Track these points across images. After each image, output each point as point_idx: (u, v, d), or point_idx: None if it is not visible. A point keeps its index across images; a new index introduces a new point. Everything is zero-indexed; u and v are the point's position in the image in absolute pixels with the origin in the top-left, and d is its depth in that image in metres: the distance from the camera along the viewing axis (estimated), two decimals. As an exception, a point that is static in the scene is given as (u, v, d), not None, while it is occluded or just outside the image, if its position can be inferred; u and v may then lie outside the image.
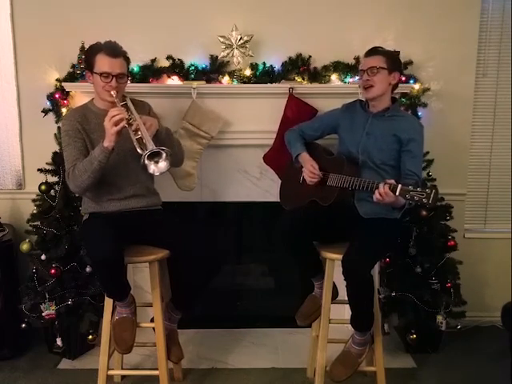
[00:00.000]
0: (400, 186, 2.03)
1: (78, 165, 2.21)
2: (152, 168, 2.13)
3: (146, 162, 2.10)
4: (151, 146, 2.09)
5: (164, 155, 2.12)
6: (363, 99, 2.47)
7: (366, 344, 2.36)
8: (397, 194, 2.03)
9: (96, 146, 2.23)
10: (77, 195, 2.75)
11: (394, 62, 2.36)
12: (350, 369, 2.31)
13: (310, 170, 2.43)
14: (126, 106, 2.24)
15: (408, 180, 2.19)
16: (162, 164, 2.13)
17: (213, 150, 2.90)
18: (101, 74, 2.24)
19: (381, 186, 2.08)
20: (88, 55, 2.31)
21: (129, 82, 2.46)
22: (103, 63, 2.24)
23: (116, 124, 2.11)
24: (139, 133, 2.14)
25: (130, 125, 2.15)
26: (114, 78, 2.24)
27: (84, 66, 2.36)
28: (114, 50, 2.26)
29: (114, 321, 2.33)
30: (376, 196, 2.10)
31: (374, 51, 2.36)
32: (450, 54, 2.91)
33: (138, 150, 2.12)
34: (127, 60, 2.34)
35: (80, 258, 2.68)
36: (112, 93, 2.24)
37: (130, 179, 2.37)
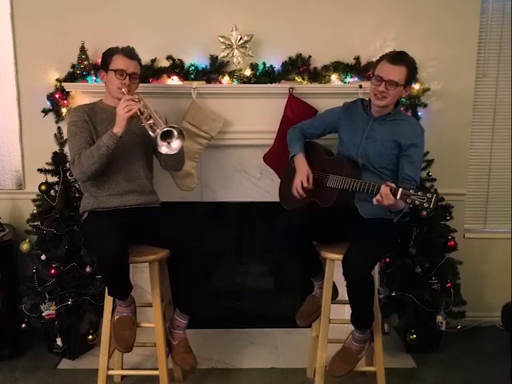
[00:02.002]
0: (401, 189, 2.03)
1: (84, 152, 2.26)
2: (164, 149, 2.17)
3: (159, 142, 2.14)
4: (162, 126, 2.15)
5: (175, 133, 2.16)
6: (365, 99, 2.46)
7: (366, 341, 2.37)
8: (398, 197, 2.03)
9: None
10: (77, 195, 2.76)
11: (412, 76, 2.30)
12: (349, 365, 2.32)
13: (304, 180, 2.41)
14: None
15: (405, 185, 2.17)
16: (175, 143, 2.17)
17: (213, 150, 2.91)
18: (116, 71, 2.33)
19: (382, 186, 2.08)
20: (105, 55, 2.41)
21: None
22: (119, 62, 2.35)
23: (129, 110, 2.18)
24: (151, 119, 2.21)
25: (142, 113, 2.22)
26: (128, 77, 2.34)
27: (100, 65, 2.47)
28: (130, 52, 2.39)
29: (114, 320, 2.33)
30: (376, 197, 2.10)
31: (400, 59, 2.24)
32: (450, 54, 2.91)
33: (151, 134, 2.17)
34: (140, 65, 2.46)
35: (80, 258, 2.68)
36: (123, 90, 2.32)
37: (129, 175, 2.39)
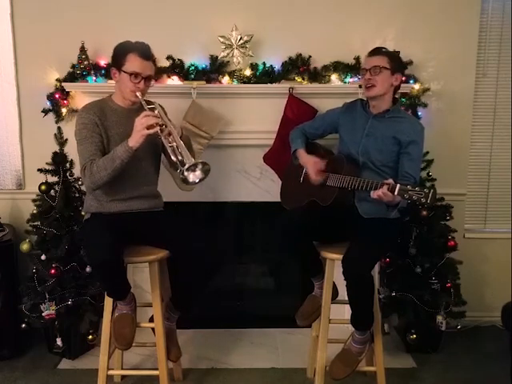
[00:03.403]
0: (398, 185, 2.03)
1: (96, 161, 2.18)
2: (192, 177, 2.10)
3: (186, 174, 2.07)
4: (189, 158, 2.06)
5: (200, 166, 2.10)
6: (364, 98, 2.47)
7: (366, 342, 2.36)
8: (395, 193, 2.03)
9: (113, 143, 2.24)
10: (77, 195, 2.76)
11: (396, 63, 2.36)
12: (349, 367, 2.32)
13: (315, 165, 2.42)
14: (153, 110, 2.22)
15: (404, 181, 2.18)
16: (198, 172, 2.11)
17: (213, 150, 2.90)
18: (131, 74, 2.22)
19: (380, 190, 2.08)
20: (118, 52, 2.26)
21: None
22: (135, 63, 2.22)
23: (149, 128, 2.10)
24: (170, 139, 2.14)
25: (162, 131, 2.14)
26: (143, 80, 2.24)
27: (111, 62, 2.33)
28: (146, 52, 2.25)
29: (114, 317, 2.33)
30: (373, 196, 2.10)
31: (377, 51, 2.36)
32: (450, 54, 2.91)
33: (173, 158, 2.12)
34: (155, 64, 2.34)
35: (80, 258, 2.68)
36: (137, 94, 2.25)
37: (137, 180, 2.35)
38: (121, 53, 2.25)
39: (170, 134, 2.15)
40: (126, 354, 2.61)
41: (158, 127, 2.12)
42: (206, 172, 2.12)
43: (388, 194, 2.05)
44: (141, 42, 2.27)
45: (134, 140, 2.13)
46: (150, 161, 2.41)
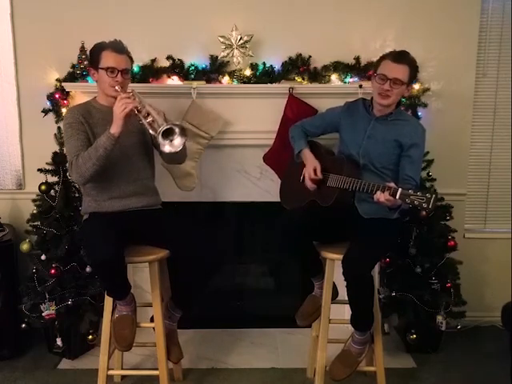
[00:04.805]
0: (400, 190, 2.03)
1: (81, 154, 2.21)
2: (167, 148, 2.13)
3: (161, 140, 2.10)
4: (162, 124, 2.10)
5: (177, 130, 2.13)
6: (367, 98, 2.45)
7: (366, 343, 2.36)
8: (397, 197, 2.03)
9: None
10: (77, 195, 2.76)
11: (414, 75, 2.32)
12: (349, 368, 2.32)
13: (311, 172, 2.41)
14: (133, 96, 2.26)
15: (406, 185, 2.18)
16: (177, 141, 2.14)
17: (213, 150, 2.91)
18: (107, 69, 2.27)
19: (382, 194, 2.08)
20: (93, 52, 2.34)
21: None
22: (109, 59, 2.28)
23: (124, 108, 2.14)
24: (150, 117, 2.17)
25: (140, 111, 2.18)
26: (120, 73, 2.28)
27: (88, 63, 2.40)
28: (119, 47, 2.31)
29: (114, 319, 2.34)
30: (376, 201, 2.10)
31: (403, 58, 2.25)
32: (450, 54, 2.91)
33: (151, 132, 2.15)
34: (131, 59, 2.39)
35: (80, 258, 2.68)
36: (116, 87, 2.27)
37: (131, 176, 2.37)
38: (95, 52, 2.32)
39: (148, 113, 2.18)
40: (126, 354, 2.61)
41: (133, 105, 2.16)
42: (182, 133, 2.13)
43: (390, 199, 2.05)
44: (114, 39, 2.33)
45: (116, 125, 2.16)
46: (141, 155, 2.42)
